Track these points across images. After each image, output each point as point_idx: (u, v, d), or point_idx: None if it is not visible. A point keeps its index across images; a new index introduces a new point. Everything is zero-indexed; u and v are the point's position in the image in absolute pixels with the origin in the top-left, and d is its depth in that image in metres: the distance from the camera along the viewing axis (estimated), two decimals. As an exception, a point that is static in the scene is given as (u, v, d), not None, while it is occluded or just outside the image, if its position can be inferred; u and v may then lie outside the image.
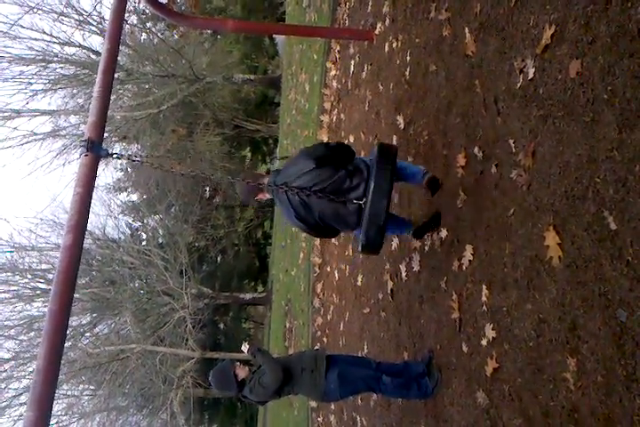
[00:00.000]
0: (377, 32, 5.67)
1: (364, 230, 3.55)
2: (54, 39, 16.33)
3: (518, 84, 3.06)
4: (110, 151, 3.68)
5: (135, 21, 17.76)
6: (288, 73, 16.64)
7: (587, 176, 2.47)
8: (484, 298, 3.35)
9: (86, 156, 3.44)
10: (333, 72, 8.09)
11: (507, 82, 3.20)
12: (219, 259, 28.46)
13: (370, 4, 6.08)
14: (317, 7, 10.08)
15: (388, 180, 3.52)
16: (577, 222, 2.52)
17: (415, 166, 4.14)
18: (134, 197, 30.34)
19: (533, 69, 2.91)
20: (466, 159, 3.76)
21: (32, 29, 15.95)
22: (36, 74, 16.79)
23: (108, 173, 28.39)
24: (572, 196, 2.58)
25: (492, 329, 3.23)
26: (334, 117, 8.10)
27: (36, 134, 17.53)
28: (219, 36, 29.38)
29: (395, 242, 5.05)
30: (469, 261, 3.62)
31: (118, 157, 3.91)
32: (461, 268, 3.71)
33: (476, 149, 3.58)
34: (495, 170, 3.32)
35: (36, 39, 16.07)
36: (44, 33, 15.90)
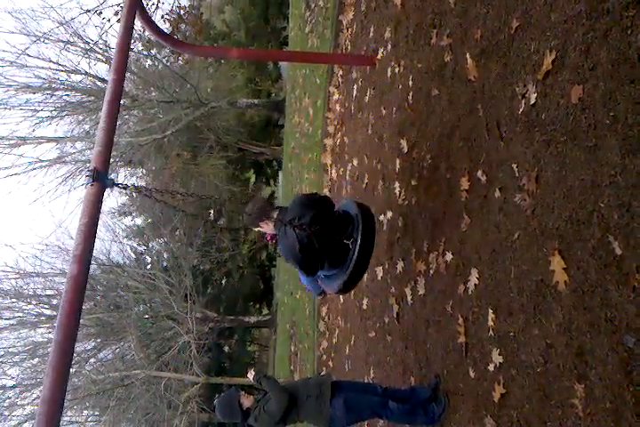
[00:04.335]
0: (379, 57, 5.73)
1: (350, 266, 3.98)
2: (60, 67, 16.55)
3: (521, 110, 3.09)
4: (116, 180, 3.71)
5: (140, 48, 17.99)
6: (292, 97, 16.80)
7: (591, 201, 2.48)
8: (490, 322, 3.34)
9: (92, 186, 3.44)
10: (336, 96, 8.15)
11: (509, 107, 3.23)
12: (223, 282, 28.38)
13: (372, 30, 6.16)
14: (320, 33, 10.20)
15: (373, 229, 4.07)
16: (582, 247, 2.52)
17: None
18: (139, 220, 30.47)
19: (535, 95, 2.93)
20: (469, 183, 3.77)
21: (39, 58, 16.22)
22: (42, 101, 16.99)
23: (112, 198, 28.49)
24: (577, 220, 2.58)
25: (499, 354, 3.21)
26: (338, 141, 8.15)
27: (41, 161, 17.66)
28: (223, 61, 29.73)
29: (399, 265, 5.04)
30: (475, 284, 3.61)
31: (124, 188, 3.95)
32: (467, 292, 3.70)
33: (479, 173, 3.59)
34: (499, 194, 3.33)
35: (42, 68, 16.31)
36: (51, 61, 16.15)
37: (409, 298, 4.78)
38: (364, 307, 6.21)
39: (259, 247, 29.64)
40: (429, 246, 4.45)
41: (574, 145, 2.62)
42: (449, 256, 4.05)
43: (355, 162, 6.87)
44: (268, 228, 4.36)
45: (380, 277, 5.62)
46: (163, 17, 14.56)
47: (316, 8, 10.89)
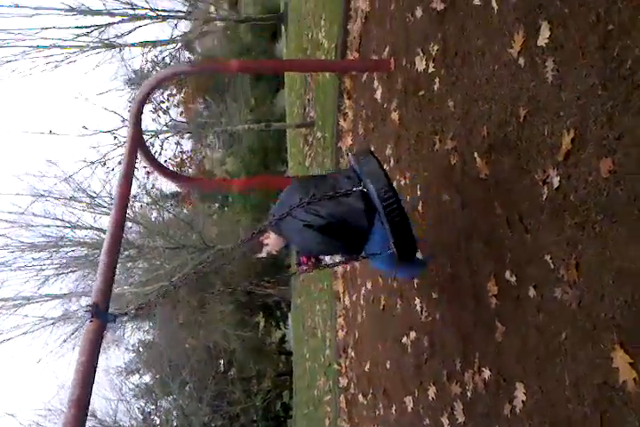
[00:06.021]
0: (382, 175, 5.69)
1: (381, 211, 3.31)
2: (66, 223, 16.82)
3: (544, 196, 2.88)
4: (117, 314, 3.49)
5: (146, 201, 18.46)
6: None
7: (647, 280, 2.17)
8: (549, 445, 2.85)
9: (91, 322, 3.22)
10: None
11: (530, 197, 3.02)
12: (237, 441, 26.76)
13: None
14: (320, 162, 10.43)
15: (376, 162, 3.41)
16: (648, 335, 2.17)
17: None
18: (147, 378, 29.48)
19: (558, 178, 2.74)
20: (497, 287, 3.46)
21: (44, 216, 16.50)
22: (47, 259, 17.05)
23: (119, 355, 27.64)
24: (635, 305, 2.25)
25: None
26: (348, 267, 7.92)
27: (46, 319, 17.33)
28: (226, 208, 30.53)
29: (431, 391, 4.54)
30: (522, 401, 3.15)
31: (125, 314, 3.77)
32: (514, 411, 3.23)
33: (507, 274, 3.30)
34: (534, 292, 3.01)
35: (47, 226, 16.57)
36: (56, 218, 16.43)
37: (447, 429, 4.23)
38: (396, 446, 5.54)
39: (273, 397, 28.26)
40: (463, 365, 4.02)
41: (614, 222, 2.37)
42: (486, 373, 3.62)
43: (369, 285, 6.57)
44: (272, 238, 3.72)
45: (410, 409, 5.06)
46: (165, 162, 15.01)
47: (314, 141, 11.27)
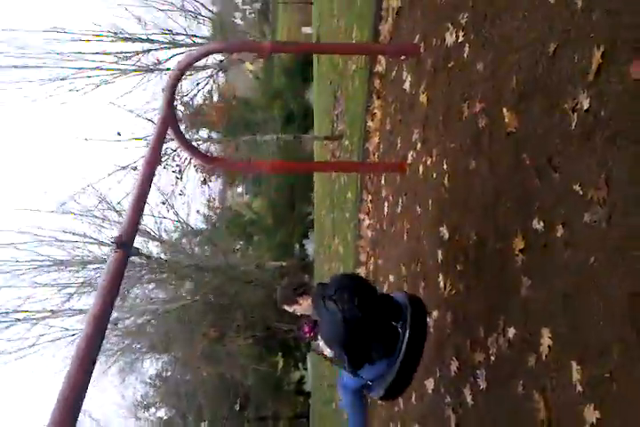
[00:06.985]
0: (409, 161, 5.72)
1: (400, 355, 3.77)
2: (93, 240, 16.98)
3: (573, 124, 2.87)
4: (140, 250, 3.58)
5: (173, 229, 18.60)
6: (320, 254, 17.02)
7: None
8: (575, 376, 2.75)
9: (116, 252, 3.29)
10: (367, 222, 8.07)
11: (559, 133, 3.01)
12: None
13: (398, 141, 6.23)
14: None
15: (425, 316, 4.05)
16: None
17: None
18: (162, 412, 29.16)
19: (588, 99, 2.74)
20: (524, 240, 3.41)
21: (72, 233, 16.64)
22: (73, 275, 17.14)
23: (136, 389, 27.33)
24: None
25: (595, 409, 2.58)
26: (371, 266, 7.85)
27: (67, 330, 17.35)
28: (250, 249, 30.60)
29: (453, 365, 4.42)
30: (549, 346, 3.05)
31: (148, 257, 3.92)
32: (540, 359, 3.13)
33: (534, 222, 3.26)
34: (562, 231, 2.96)
35: (75, 241, 16.73)
36: (85, 236, 16.61)
37: (469, 399, 4.09)
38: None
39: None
40: (486, 331, 3.92)
41: (646, 126, 2.36)
42: (511, 332, 3.52)
43: (391, 278, 6.49)
44: (305, 304, 4.12)
45: (431, 390, 4.92)
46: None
47: (341, 154, 11.39)
